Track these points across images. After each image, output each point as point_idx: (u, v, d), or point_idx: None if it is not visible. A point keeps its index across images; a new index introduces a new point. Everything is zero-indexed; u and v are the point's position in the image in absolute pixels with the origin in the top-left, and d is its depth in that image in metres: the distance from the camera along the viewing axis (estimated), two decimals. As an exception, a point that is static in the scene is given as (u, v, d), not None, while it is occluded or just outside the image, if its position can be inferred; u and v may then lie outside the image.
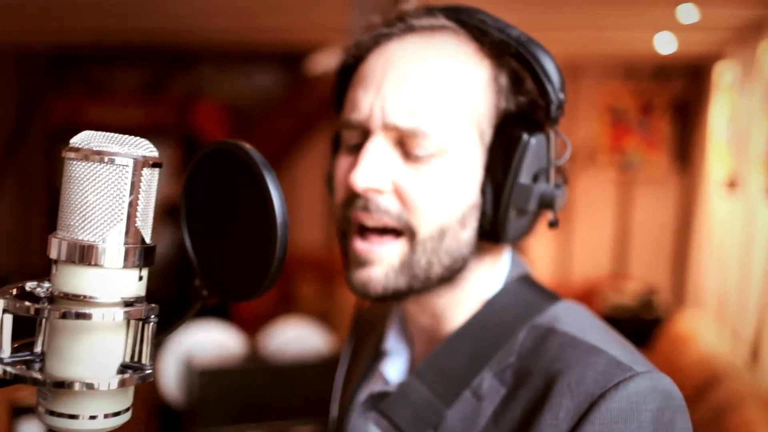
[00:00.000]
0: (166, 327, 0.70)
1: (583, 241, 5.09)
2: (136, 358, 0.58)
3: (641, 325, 4.37)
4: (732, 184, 3.66)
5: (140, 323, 0.57)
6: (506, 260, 0.90)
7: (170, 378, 2.51)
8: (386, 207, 0.81)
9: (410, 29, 0.85)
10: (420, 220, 0.81)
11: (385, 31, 0.86)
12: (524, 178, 0.80)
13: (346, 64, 0.90)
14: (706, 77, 4.60)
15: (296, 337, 2.78)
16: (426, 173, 0.81)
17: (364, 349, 1.04)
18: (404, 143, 0.81)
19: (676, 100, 4.97)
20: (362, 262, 0.83)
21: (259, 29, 4.49)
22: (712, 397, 2.87)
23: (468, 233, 0.83)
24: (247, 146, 0.62)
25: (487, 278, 0.88)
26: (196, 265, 0.68)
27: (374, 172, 0.81)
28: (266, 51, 5.23)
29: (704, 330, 3.60)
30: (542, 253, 4.99)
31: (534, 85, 0.81)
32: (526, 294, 0.87)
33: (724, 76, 4.05)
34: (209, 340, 2.64)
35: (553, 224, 0.85)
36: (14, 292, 0.57)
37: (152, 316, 0.56)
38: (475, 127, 0.82)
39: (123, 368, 0.57)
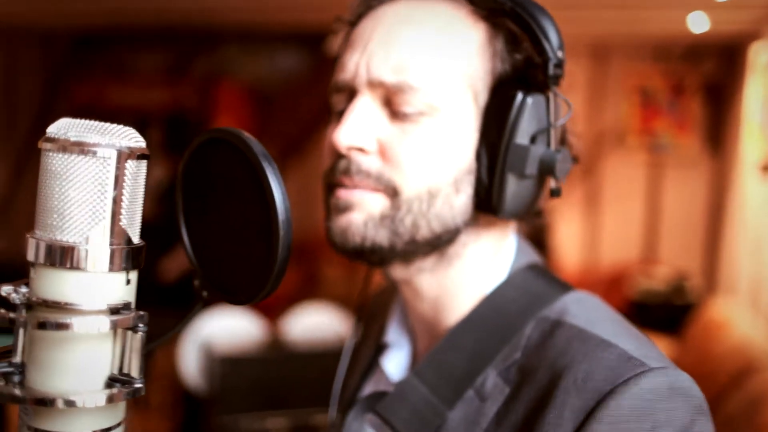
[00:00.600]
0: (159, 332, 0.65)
1: (611, 225, 4.99)
2: (125, 370, 0.52)
3: (672, 310, 4.28)
4: (766, 168, 3.54)
5: (128, 332, 0.51)
6: (511, 247, 0.84)
7: (191, 365, 2.48)
8: (367, 168, 0.77)
9: None
10: (404, 178, 0.76)
11: None
12: (521, 139, 0.75)
13: (341, 32, 0.86)
14: (740, 57, 4.46)
15: (319, 324, 2.74)
16: (414, 132, 0.76)
17: (367, 341, 0.99)
18: (391, 101, 0.77)
19: (708, 81, 4.84)
20: (342, 208, 0.78)
21: (282, 9, 4.43)
22: (747, 387, 2.79)
23: (462, 199, 0.77)
24: (245, 135, 0.56)
25: (490, 265, 0.82)
26: (195, 265, 0.63)
27: (358, 129, 0.76)
28: (289, 32, 5.17)
29: (738, 317, 3.50)
30: (569, 237, 4.90)
31: (531, 45, 0.76)
32: (534, 284, 0.81)
33: (759, 56, 3.91)
34: (230, 327, 2.60)
35: (554, 193, 0.78)
36: (-10, 296, 0.51)
37: (141, 325, 0.51)
38: (469, 89, 0.77)
39: (111, 381, 0.52)
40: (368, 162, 0.77)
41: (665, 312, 4.29)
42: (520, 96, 0.75)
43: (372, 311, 1.04)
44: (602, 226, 5.00)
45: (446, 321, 0.82)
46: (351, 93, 0.79)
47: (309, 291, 4.70)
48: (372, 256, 0.79)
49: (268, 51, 5.59)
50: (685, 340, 3.81)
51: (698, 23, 3.88)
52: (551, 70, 0.75)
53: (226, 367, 2.39)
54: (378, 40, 0.78)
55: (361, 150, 0.77)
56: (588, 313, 0.76)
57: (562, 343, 0.72)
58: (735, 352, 3.13)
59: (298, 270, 4.81)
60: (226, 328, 2.61)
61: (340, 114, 0.80)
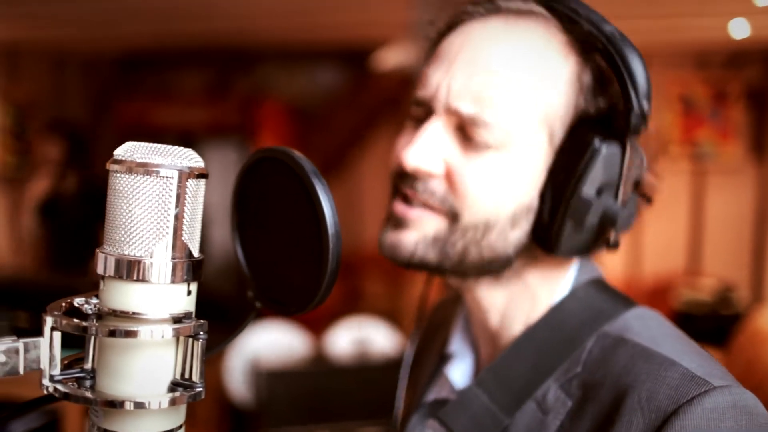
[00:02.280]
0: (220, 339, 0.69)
1: (654, 235, 4.93)
2: (186, 375, 0.56)
3: (718, 321, 4.21)
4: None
5: (190, 339, 0.55)
6: (573, 263, 0.84)
7: (238, 379, 2.53)
8: (432, 190, 0.78)
9: (496, 10, 0.80)
10: (465, 206, 0.77)
11: (469, 9, 0.81)
12: (587, 189, 0.73)
13: (430, 40, 0.86)
14: (783, 63, 4.40)
15: (362, 338, 2.77)
16: (481, 163, 0.76)
17: (430, 351, 1.01)
18: (465, 128, 0.77)
19: (750, 87, 4.78)
20: (397, 223, 0.80)
21: (321, 27, 4.50)
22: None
23: (517, 234, 0.78)
24: (296, 153, 0.60)
25: (552, 281, 0.82)
26: (249, 276, 0.66)
27: (427, 153, 0.77)
28: (328, 49, 5.24)
29: (786, 327, 3.43)
30: (611, 248, 4.86)
31: (618, 88, 0.74)
32: (596, 299, 0.81)
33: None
34: (275, 341, 2.65)
35: (611, 245, 0.78)
36: (63, 307, 0.55)
37: (201, 333, 0.54)
38: (545, 126, 0.76)
39: (173, 386, 0.55)
40: (435, 185, 0.78)
41: (711, 323, 4.22)
42: (596, 143, 0.73)
43: (434, 321, 1.05)
44: (645, 236, 4.95)
45: (509, 332, 0.84)
46: (428, 110, 0.79)
47: (352, 306, 4.73)
48: (421, 269, 0.81)
49: (308, 68, 5.67)
50: (731, 351, 3.75)
51: (739, 29, 3.85)
52: (634, 121, 0.72)
53: (272, 380, 2.43)
54: (463, 61, 0.77)
55: (427, 173, 0.78)
56: (650, 330, 0.76)
57: (625, 360, 0.72)
58: (783, 363, 3.07)
59: (340, 285, 4.84)
60: (272, 342, 2.66)
61: (416, 124, 0.82)
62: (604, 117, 0.76)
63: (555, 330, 0.80)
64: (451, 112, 0.77)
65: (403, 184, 0.80)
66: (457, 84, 0.76)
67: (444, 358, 0.94)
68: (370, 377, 2.40)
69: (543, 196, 0.77)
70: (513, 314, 0.83)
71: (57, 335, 0.53)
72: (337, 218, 0.58)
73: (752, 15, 3.62)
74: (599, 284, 0.83)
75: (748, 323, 3.79)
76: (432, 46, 0.84)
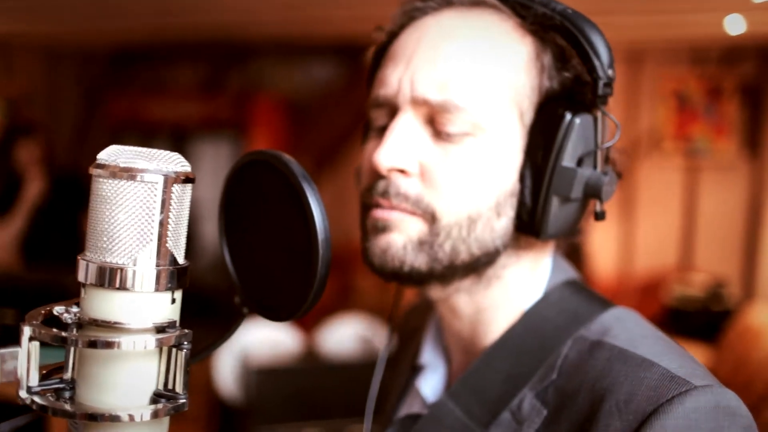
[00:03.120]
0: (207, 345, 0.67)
1: (647, 230, 4.93)
2: (169, 386, 0.54)
3: (709, 317, 4.21)
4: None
5: (173, 349, 0.53)
6: (547, 263, 0.81)
7: (227, 376, 2.51)
8: (405, 190, 0.74)
9: (447, 4, 0.79)
10: (444, 204, 0.74)
11: (419, 5, 0.80)
12: (567, 161, 0.72)
13: (380, 42, 0.84)
14: (778, 59, 4.40)
15: (352, 335, 2.76)
16: (457, 153, 0.74)
17: (402, 360, 0.97)
18: (435, 120, 0.74)
19: (745, 83, 4.77)
20: (380, 228, 0.76)
21: (316, 22, 4.47)
22: (787, 397, 2.74)
23: (503, 222, 0.75)
24: (286, 156, 0.58)
25: (526, 283, 0.80)
26: (236, 282, 0.65)
27: (400, 150, 0.74)
28: (323, 44, 5.21)
29: (778, 325, 3.44)
30: (604, 243, 4.86)
31: (580, 62, 0.74)
32: (571, 302, 0.78)
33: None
34: (265, 338, 2.63)
35: (599, 216, 0.76)
36: (42, 315, 0.54)
37: (185, 343, 0.52)
38: (515, 107, 0.74)
39: (156, 396, 0.54)
40: (407, 184, 0.75)
41: (702, 319, 4.23)
42: (568, 116, 0.72)
43: (406, 326, 1.02)
44: (638, 232, 4.95)
45: (482, 340, 0.81)
46: (392, 109, 0.77)
47: (343, 302, 4.72)
48: (409, 280, 0.77)
49: (302, 63, 5.64)
50: (721, 347, 3.76)
51: (735, 25, 3.84)
52: (601, 90, 0.73)
53: (262, 377, 2.42)
54: (422, 55, 0.75)
55: (402, 172, 0.75)
56: (628, 331, 0.73)
57: (601, 364, 0.70)
58: (775, 361, 3.07)
59: (331, 281, 4.80)
60: (262, 339, 2.64)
61: (380, 130, 0.79)
62: (569, 91, 0.75)
63: (529, 336, 0.77)
64: (418, 103, 0.74)
65: (374, 194, 0.76)
66: (420, 76, 0.74)
67: (415, 370, 0.90)
68: (360, 375, 2.38)
69: (522, 178, 0.75)
70: (487, 321, 0.80)
71: (35, 345, 0.51)
72: (327, 223, 0.57)
73: (748, 11, 3.62)
74: (574, 285, 0.81)
75: (739, 320, 3.79)
76: (383, 48, 0.83)
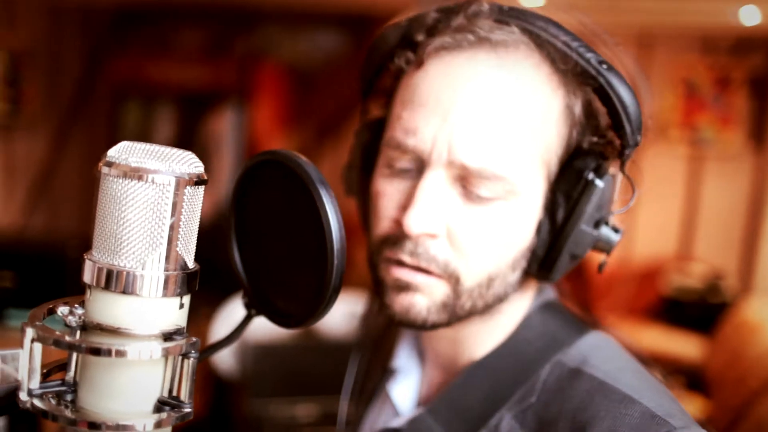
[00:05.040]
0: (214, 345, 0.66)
1: (648, 218, 4.91)
2: (174, 393, 0.52)
3: (706, 309, 4.21)
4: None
5: (180, 357, 0.52)
6: (533, 287, 0.82)
7: (224, 350, 2.49)
8: (435, 254, 0.72)
9: (481, 42, 0.72)
10: (469, 267, 0.73)
11: (450, 41, 0.73)
12: (586, 223, 0.72)
13: (398, 68, 0.78)
14: (790, 52, 4.35)
15: (350, 312, 2.75)
16: (487, 217, 0.72)
17: (376, 359, 0.96)
18: (467, 181, 0.71)
19: (755, 75, 4.72)
20: (403, 287, 0.74)
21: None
22: (780, 394, 2.75)
23: (517, 275, 0.76)
24: (303, 159, 0.56)
25: (514, 309, 0.80)
26: (245, 283, 0.63)
27: (432, 215, 0.71)
28: (331, 12, 5.15)
29: (773, 320, 3.44)
30: (604, 229, 4.84)
31: (610, 121, 0.73)
32: (550, 325, 0.79)
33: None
34: (263, 312, 2.60)
35: (600, 268, 0.78)
36: (45, 315, 0.52)
37: (192, 352, 0.51)
38: (544, 165, 0.73)
39: (160, 404, 0.52)
40: (436, 248, 0.72)
41: (698, 310, 4.23)
42: (594, 180, 0.71)
43: (379, 327, 1.00)
44: (638, 219, 4.93)
45: (464, 357, 0.81)
46: (420, 161, 0.73)
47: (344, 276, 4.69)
48: (428, 330, 0.78)
49: (308, 32, 5.57)
50: (716, 340, 3.76)
51: (749, 16, 3.79)
52: (627, 153, 0.73)
53: (258, 353, 2.41)
54: (461, 112, 0.70)
55: (431, 236, 0.72)
56: (608, 362, 0.74)
57: (582, 395, 0.70)
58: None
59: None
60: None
61: (400, 173, 0.75)
62: (594, 146, 0.74)
63: (509, 357, 0.77)
64: (454, 166, 0.71)
65: (398, 250, 0.73)
66: (459, 138, 0.70)
67: (387, 373, 0.89)
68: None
69: (539, 231, 0.74)
70: (471, 341, 0.80)
71: (38, 347, 0.49)
72: (344, 232, 0.54)
73: (762, 2, 3.57)
74: (553, 308, 0.81)
75: (735, 313, 3.80)
76: (400, 75, 0.78)
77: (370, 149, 0.83)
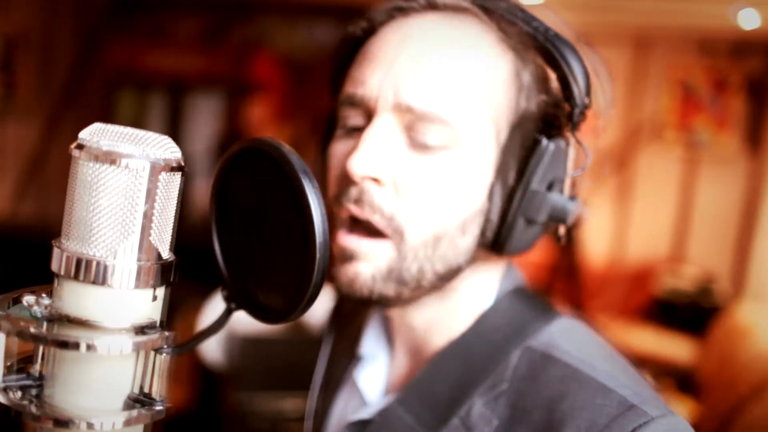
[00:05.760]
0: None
1: (641, 219, 4.91)
2: (146, 389, 0.50)
3: (697, 312, 4.21)
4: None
5: (152, 352, 0.49)
6: (499, 271, 0.81)
7: (211, 342, 2.48)
8: (380, 204, 0.72)
9: (431, 6, 0.76)
10: (413, 221, 0.72)
11: (402, 4, 0.76)
12: (538, 185, 0.72)
13: (353, 36, 0.80)
14: (788, 56, 4.34)
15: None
16: (432, 166, 0.71)
17: (342, 346, 0.94)
18: (413, 129, 0.71)
19: (752, 78, 4.71)
20: (348, 257, 0.74)
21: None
22: (769, 399, 2.74)
23: (468, 240, 0.74)
24: (286, 148, 0.53)
25: (480, 290, 0.79)
26: (225, 275, 0.60)
27: (377, 157, 0.71)
28: (328, 4, 5.12)
29: (764, 325, 3.43)
30: (597, 229, 4.83)
31: (558, 85, 0.73)
32: (520, 310, 0.78)
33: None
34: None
35: (559, 239, 0.77)
36: (10, 304, 0.49)
37: (165, 347, 0.48)
38: (493, 124, 0.73)
39: (131, 401, 0.49)
40: (381, 196, 0.72)
41: (690, 313, 4.23)
42: (544, 142, 0.72)
43: (347, 312, 0.98)
44: (632, 220, 4.92)
45: (433, 345, 0.80)
46: (369, 112, 0.74)
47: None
48: (377, 304, 0.76)
49: (305, 23, 5.54)
50: (707, 343, 3.75)
51: (748, 19, 3.77)
52: (576, 117, 0.73)
53: (246, 346, 2.38)
54: (407, 59, 0.72)
55: (375, 180, 0.72)
56: (578, 347, 0.73)
57: (556, 383, 0.69)
58: (758, 362, 3.07)
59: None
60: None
61: (352, 131, 0.76)
62: (544, 114, 0.74)
63: (478, 344, 0.76)
64: (401, 109, 0.71)
65: (345, 201, 0.73)
66: (404, 79, 0.71)
67: (354, 360, 0.88)
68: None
69: (491, 196, 0.73)
70: (439, 328, 0.79)
71: (1, 338, 0.47)
72: (327, 225, 0.52)
73: (761, 5, 3.55)
74: (522, 293, 0.81)
75: (726, 317, 3.79)
76: (354, 45, 0.79)
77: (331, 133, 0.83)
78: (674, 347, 3.94)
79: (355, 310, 0.96)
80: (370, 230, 0.73)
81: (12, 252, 2.78)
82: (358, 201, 0.72)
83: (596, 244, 4.78)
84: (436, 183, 0.71)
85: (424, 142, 0.71)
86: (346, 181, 0.73)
